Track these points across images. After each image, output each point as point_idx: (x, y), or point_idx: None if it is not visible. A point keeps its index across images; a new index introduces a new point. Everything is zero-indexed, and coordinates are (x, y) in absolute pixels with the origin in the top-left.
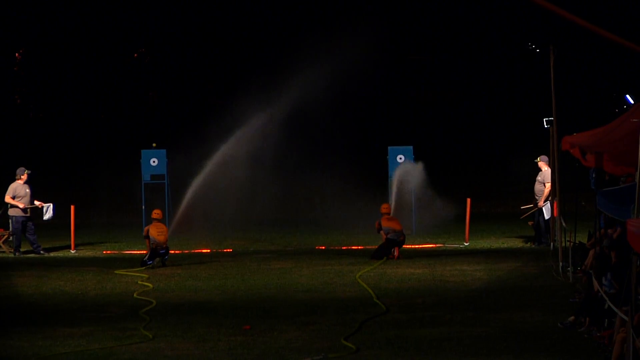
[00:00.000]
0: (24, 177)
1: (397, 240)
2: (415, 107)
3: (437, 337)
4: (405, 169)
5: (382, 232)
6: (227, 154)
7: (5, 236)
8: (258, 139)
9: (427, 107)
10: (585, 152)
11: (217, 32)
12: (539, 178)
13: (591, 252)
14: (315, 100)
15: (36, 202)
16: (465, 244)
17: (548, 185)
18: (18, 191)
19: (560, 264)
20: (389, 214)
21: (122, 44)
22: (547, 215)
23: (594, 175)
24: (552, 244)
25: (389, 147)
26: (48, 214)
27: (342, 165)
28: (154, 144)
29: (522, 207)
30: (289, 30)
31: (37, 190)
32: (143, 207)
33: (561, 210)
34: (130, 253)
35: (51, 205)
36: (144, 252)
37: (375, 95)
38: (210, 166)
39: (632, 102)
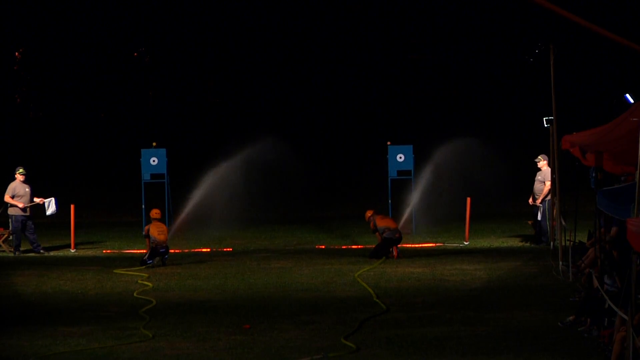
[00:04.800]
0: (18, 176)
1: (393, 238)
2: (416, 106)
3: (437, 336)
4: None
5: (377, 233)
6: (227, 156)
7: (5, 235)
8: (258, 140)
9: (427, 105)
10: (585, 151)
11: (216, 31)
12: (538, 177)
13: (590, 251)
14: (315, 99)
15: (36, 199)
16: (465, 243)
17: (548, 183)
18: (17, 190)
19: (560, 263)
20: (376, 213)
21: (122, 43)
22: (539, 216)
23: (593, 175)
24: (552, 243)
25: (389, 146)
26: (51, 209)
27: (342, 164)
28: (154, 144)
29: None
30: (289, 29)
31: (37, 189)
32: (143, 206)
33: (561, 210)
34: (131, 252)
35: (53, 199)
36: (144, 251)
37: (376, 94)
38: (210, 166)
39: (631, 101)
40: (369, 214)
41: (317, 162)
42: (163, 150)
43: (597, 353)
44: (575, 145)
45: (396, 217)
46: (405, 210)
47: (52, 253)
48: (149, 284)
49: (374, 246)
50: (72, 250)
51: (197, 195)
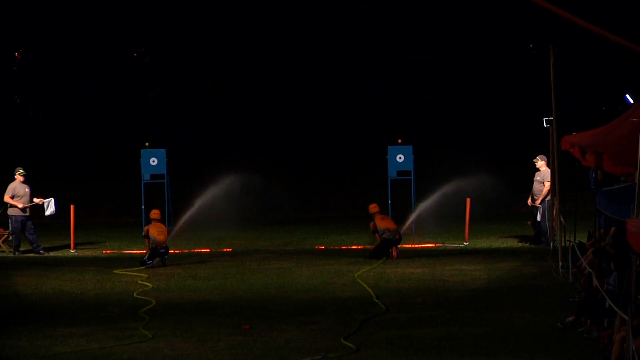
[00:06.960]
0: (17, 176)
1: (392, 239)
2: (416, 107)
3: (437, 336)
4: None
5: (377, 234)
6: (227, 154)
7: (5, 236)
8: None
9: (427, 106)
10: (585, 152)
11: (217, 31)
12: (537, 178)
13: (590, 251)
14: (315, 99)
15: (35, 200)
16: (465, 243)
17: (547, 184)
18: (17, 190)
19: (560, 263)
20: (379, 212)
21: (122, 43)
22: (538, 217)
23: (593, 175)
24: (551, 243)
25: (389, 147)
26: (50, 209)
27: (342, 164)
28: (146, 144)
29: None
30: (290, 28)
31: (37, 190)
32: (143, 206)
33: (561, 210)
34: (130, 253)
35: (52, 200)
36: (144, 251)
37: (376, 95)
38: (210, 166)
39: (631, 102)
40: (373, 209)
41: (317, 162)
42: (163, 151)
43: (597, 354)
44: (575, 145)
45: (397, 217)
46: (408, 213)
47: (51, 253)
48: (149, 284)
49: (373, 246)
50: (72, 251)
51: (197, 196)
